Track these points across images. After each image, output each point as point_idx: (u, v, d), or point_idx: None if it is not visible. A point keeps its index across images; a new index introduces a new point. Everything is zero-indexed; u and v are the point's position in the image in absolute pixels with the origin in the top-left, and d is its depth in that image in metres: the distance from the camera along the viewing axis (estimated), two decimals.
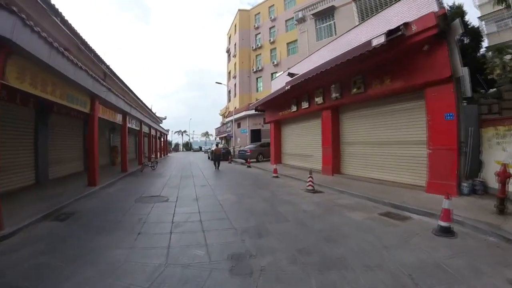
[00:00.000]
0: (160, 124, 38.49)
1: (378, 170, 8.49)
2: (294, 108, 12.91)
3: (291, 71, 13.17)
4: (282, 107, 14.07)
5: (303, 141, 13.21)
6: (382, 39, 5.86)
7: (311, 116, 12.08)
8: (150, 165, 14.55)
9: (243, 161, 18.33)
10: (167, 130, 38.40)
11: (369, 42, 6.25)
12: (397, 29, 6.06)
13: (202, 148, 55.80)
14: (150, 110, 28.31)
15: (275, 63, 30.87)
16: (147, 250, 3.52)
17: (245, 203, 6.17)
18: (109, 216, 5.23)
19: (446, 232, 4.03)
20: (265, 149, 18.48)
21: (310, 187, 7.48)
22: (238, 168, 15.30)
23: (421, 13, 6.38)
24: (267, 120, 16.59)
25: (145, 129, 19.09)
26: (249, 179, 10.39)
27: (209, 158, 24.08)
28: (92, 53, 10.34)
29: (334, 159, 10.19)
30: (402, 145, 7.64)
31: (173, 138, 70.69)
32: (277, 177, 10.60)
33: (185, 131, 69.73)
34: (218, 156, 15.62)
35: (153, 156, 16.25)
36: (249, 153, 17.57)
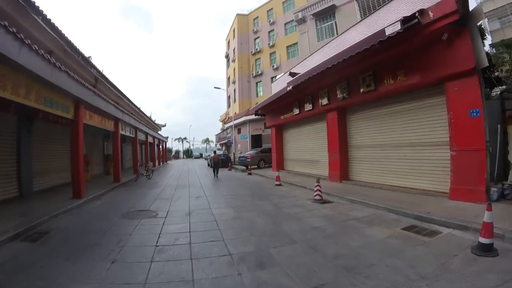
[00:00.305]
0: (159, 132, 37.94)
1: (391, 175, 7.67)
2: (296, 111, 12.19)
3: (292, 71, 12.49)
4: (283, 111, 13.36)
5: (307, 146, 12.45)
6: (397, 27, 5.13)
7: (316, 119, 11.34)
8: (145, 174, 13.80)
9: (244, 167, 17.57)
10: (166, 137, 37.75)
11: (382, 32, 5.52)
12: (413, 16, 5.35)
13: (203, 155, 55.11)
14: (148, 117, 27.74)
15: (275, 67, 30.37)
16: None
17: (244, 218, 5.36)
18: (87, 237, 4.45)
19: (488, 250, 3.27)
20: (266, 155, 17.71)
21: (318, 197, 6.68)
22: (238, 176, 14.52)
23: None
24: (268, 125, 15.90)
25: (141, 136, 18.41)
26: (250, 189, 9.59)
27: (208, 165, 23.31)
28: (80, 56, 9.72)
29: (342, 164, 9.39)
30: (419, 147, 6.84)
31: (173, 145, 70.16)
32: (280, 185, 9.80)
33: (185, 138, 69.25)
34: (217, 163, 14.91)
35: (149, 164, 15.45)
36: (249, 160, 16.81)
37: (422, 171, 6.76)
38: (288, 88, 10.45)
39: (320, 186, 6.83)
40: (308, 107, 11.18)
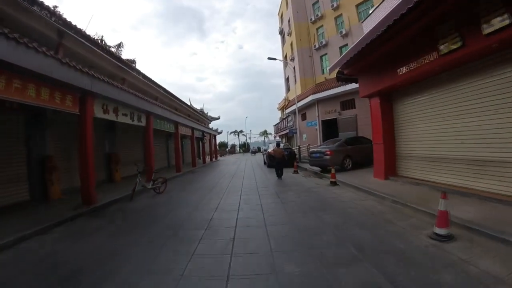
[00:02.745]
0: (210, 125, 34.47)
1: None
2: (432, 56, 5.25)
3: None
4: (402, 57, 6.46)
5: (469, 127, 5.36)
6: None
7: (480, 67, 4.28)
8: (151, 187, 8.43)
9: (317, 168, 11.27)
10: (216, 130, 33.77)
11: None
12: None
13: (261, 149, 50.45)
14: (195, 108, 23.81)
15: (344, 32, 22.85)
16: None
17: None
18: None
19: None
20: (355, 149, 10.96)
21: None
22: (312, 187, 8.27)
23: None
24: (365, 93, 8.79)
25: (166, 127, 13.78)
26: (360, 237, 3.49)
27: (265, 163, 17.78)
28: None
29: None
30: None
31: (229, 139, 67.96)
32: (448, 238, 3.29)
33: (241, 131, 66.00)
34: (281, 162, 10.26)
35: (155, 170, 9.58)
36: (329, 156, 10.33)
37: None
38: None
39: None
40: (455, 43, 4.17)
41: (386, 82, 7.36)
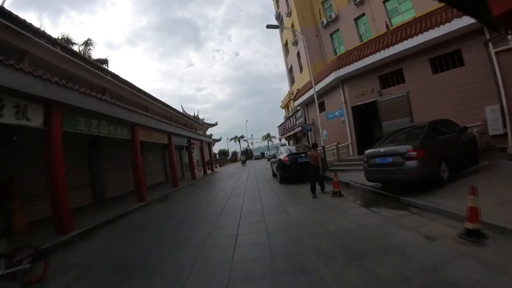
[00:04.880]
0: (208, 132, 29.24)
1: None
2: None
3: None
4: None
5: None
6: None
7: None
8: (9, 271, 3.14)
9: (368, 186, 5.93)
10: (210, 136, 28.38)
11: None
12: None
13: (265, 154, 44.96)
14: (167, 105, 18.50)
15: (358, 0, 17.86)
16: None
17: None
18: None
19: None
20: (449, 142, 5.66)
21: None
22: (423, 256, 3.02)
23: None
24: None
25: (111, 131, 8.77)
26: None
27: (274, 174, 12.43)
28: None
29: None
30: None
31: (229, 146, 62.56)
32: None
33: (242, 137, 60.33)
34: (317, 171, 6.82)
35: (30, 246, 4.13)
36: (415, 161, 4.85)
37: None
38: None
39: None
40: None
41: None
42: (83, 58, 9.61)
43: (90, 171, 9.84)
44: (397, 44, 10.20)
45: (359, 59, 11.33)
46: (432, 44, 9.67)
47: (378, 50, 10.66)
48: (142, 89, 13.28)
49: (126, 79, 12.61)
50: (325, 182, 7.52)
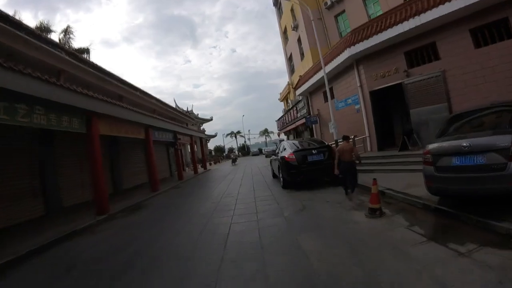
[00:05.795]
0: (202, 127, 26.93)
1: None
2: None
3: None
4: None
5: None
6: None
7: None
8: None
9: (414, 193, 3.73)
10: (204, 131, 26.06)
11: None
12: None
13: (263, 151, 42.77)
14: (146, 93, 16.12)
15: None
16: None
17: None
18: None
19: None
20: None
21: None
22: None
23: None
24: None
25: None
26: None
27: (274, 175, 10.28)
28: None
29: None
30: None
31: (226, 142, 60.23)
32: None
33: (238, 132, 57.88)
34: (352, 169, 5.27)
35: None
36: None
37: None
38: None
39: None
40: None
41: None
42: (23, 27, 7.28)
43: (41, 175, 7.61)
44: (430, 10, 8.03)
45: (380, 31, 9.13)
46: (474, 10, 7.53)
47: (406, 19, 8.47)
48: (114, 73, 10.93)
49: (93, 61, 10.32)
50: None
